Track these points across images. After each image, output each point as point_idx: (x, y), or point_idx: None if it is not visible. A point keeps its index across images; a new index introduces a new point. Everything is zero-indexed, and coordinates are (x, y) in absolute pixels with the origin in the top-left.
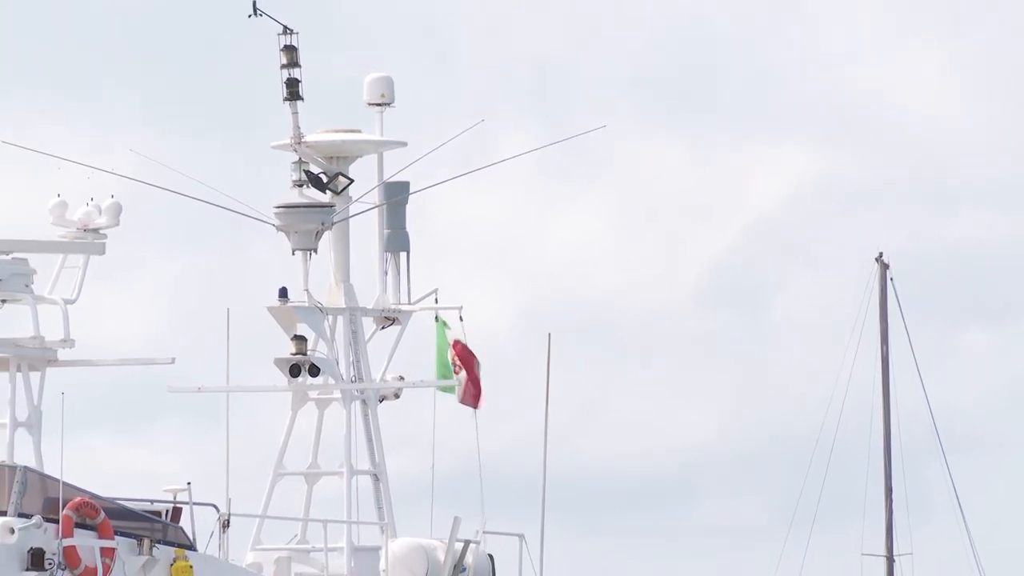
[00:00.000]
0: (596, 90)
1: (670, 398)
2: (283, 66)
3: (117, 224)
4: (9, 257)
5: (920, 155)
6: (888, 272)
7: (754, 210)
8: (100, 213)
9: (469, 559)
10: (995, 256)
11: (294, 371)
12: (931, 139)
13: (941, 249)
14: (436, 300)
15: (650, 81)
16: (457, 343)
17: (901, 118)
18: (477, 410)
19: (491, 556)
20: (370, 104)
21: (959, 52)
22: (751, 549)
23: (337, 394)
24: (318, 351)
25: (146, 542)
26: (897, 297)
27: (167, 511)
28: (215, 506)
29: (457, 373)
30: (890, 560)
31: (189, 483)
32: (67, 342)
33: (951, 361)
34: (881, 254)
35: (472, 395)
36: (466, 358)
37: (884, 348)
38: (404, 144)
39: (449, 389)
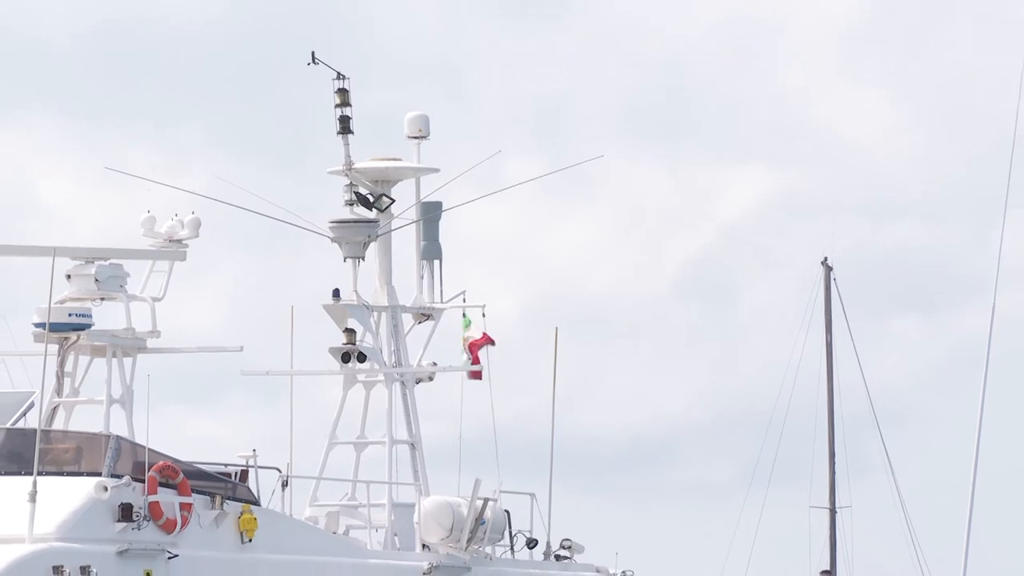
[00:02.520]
0: (591, 120)
1: (653, 376)
2: (337, 105)
3: (197, 236)
4: (107, 263)
5: (860, 175)
6: (832, 274)
7: (723, 219)
8: (183, 226)
9: (488, 514)
10: (922, 259)
11: (345, 358)
12: (870, 161)
13: (877, 254)
14: (464, 299)
15: (637, 113)
16: (477, 339)
17: (845, 143)
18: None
19: (507, 511)
20: (409, 137)
21: (894, 89)
22: (719, 502)
23: (381, 377)
24: (365, 342)
25: (218, 498)
26: (839, 294)
27: (236, 473)
28: (278, 469)
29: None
30: (832, 512)
31: (255, 450)
32: (154, 333)
33: (884, 347)
34: (826, 258)
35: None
36: (477, 344)
37: (828, 336)
38: (437, 170)
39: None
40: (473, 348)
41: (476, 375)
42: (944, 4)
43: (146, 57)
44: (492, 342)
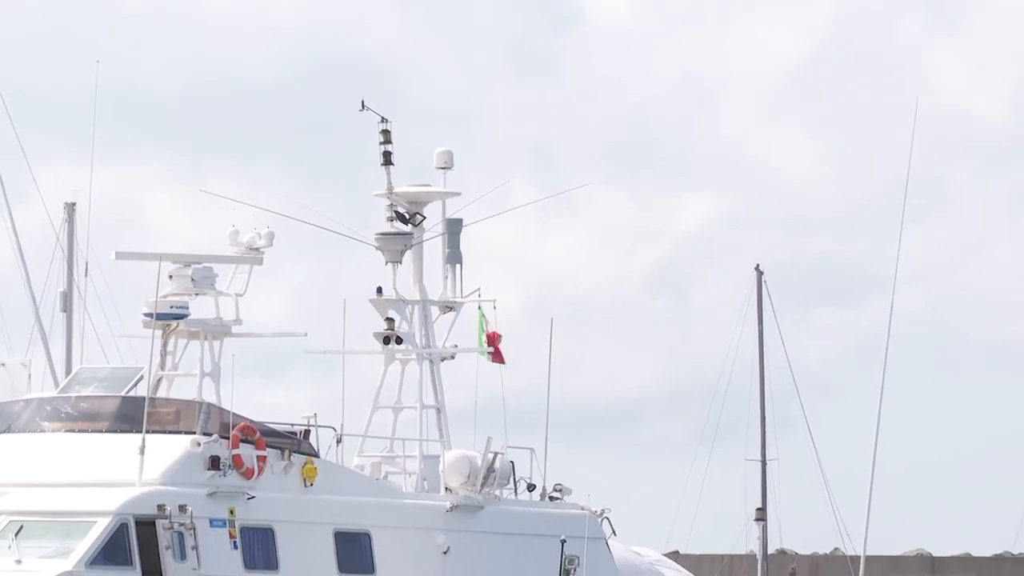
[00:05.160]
0: (577, 157)
1: (626, 356)
2: (380, 143)
3: (271, 245)
4: (201, 266)
5: (786, 198)
6: (763, 277)
7: (680, 233)
8: (260, 237)
9: (497, 464)
10: (836, 265)
11: (386, 341)
12: (795, 187)
13: (799, 260)
14: (479, 295)
15: (612, 150)
16: (489, 330)
17: (774, 173)
18: (503, 364)
19: (512, 462)
20: (437, 168)
21: (813, 131)
22: (676, 455)
23: (414, 356)
24: (402, 328)
25: (286, 452)
26: (769, 293)
27: (300, 431)
28: (333, 428)
29: (489, 346)
30: (763, 463)
31: (315, 413)
32: (237, 321)
33: (804, 334)
34: (758, 265)
35: (498, 356)
36: (494, 337)
37: (760, 326)
38: (459, 194)
39: (483, 353)
40: (494, 343)
41: (498, 358)
42: (852, 65)
43: (232, 106)
44: (499, 337)
